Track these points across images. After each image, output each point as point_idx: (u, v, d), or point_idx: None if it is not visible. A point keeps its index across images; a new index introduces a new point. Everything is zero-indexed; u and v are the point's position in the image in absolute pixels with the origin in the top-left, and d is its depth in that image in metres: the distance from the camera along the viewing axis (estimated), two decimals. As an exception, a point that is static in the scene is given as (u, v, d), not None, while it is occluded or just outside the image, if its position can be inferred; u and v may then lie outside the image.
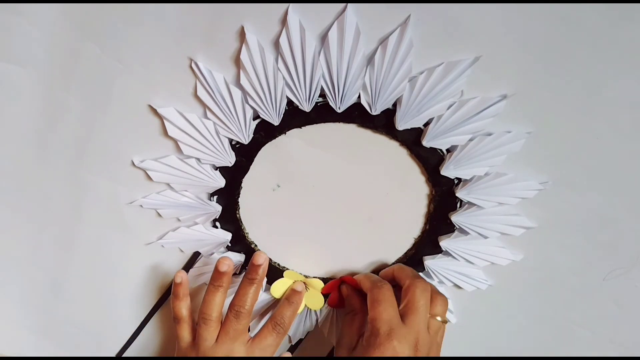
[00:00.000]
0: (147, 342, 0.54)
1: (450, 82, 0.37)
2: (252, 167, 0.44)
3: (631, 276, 0.44)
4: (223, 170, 0.44)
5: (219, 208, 0.45)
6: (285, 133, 0.42)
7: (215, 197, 0.45)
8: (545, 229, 0.43)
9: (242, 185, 0.45)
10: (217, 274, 0.43)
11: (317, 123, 0.41)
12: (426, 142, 0.40)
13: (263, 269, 0.44)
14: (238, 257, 0.48)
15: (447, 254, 0.46)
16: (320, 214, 0.46)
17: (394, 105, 0.39)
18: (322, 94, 0.39)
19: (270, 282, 0.48)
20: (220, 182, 0.44)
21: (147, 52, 0.38)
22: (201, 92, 0.39)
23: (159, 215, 0.46)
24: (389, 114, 0.40)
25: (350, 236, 0.47)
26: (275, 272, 0.48)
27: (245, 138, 0.41)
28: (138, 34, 0.38)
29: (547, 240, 0.44)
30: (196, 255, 0.48)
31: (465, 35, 0.35)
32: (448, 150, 0.41)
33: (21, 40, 0.39)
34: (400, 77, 0.37)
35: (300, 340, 0.52)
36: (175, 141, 0.41)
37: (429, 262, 0.46)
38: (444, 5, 0.34)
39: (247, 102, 0.39)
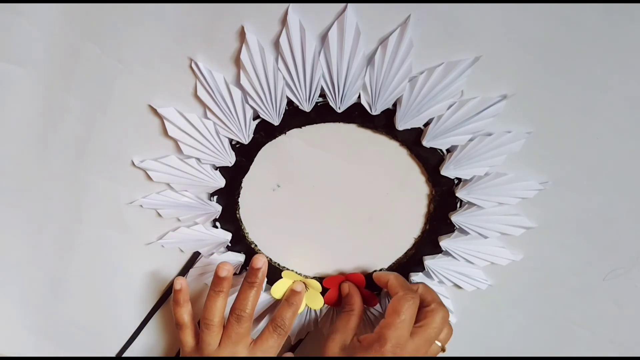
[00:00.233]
0: (147, 342, 0.54)
1: (450, 82, 0.37)
2: (252, 167, 0.44)
3: (631, 276, 0.44)
4: (223, 170, 0.44)
5: (219, 208, 0.45)
6: (285, 133, 0.42)
7: (215, 197, 0.45)
8: (545, 229, 0.43)
9: (242, 185, 0.45)
10: (217, 279, 0.43)
11: (317, 123, 0.41)
12: (426, 142, 0.40)
13: (262, 272, 0.44)
14: (238, 258, 0.48)
15: (447, 254, 0.46)
16: (320, 214, 0.46)
17: (394, 105, 0.39)
18: (322, 94, 0.39)
19: (270, 282, 0.48)
20: (220, 182, 0.44)
21: (147, 52, 0.38)
22: (201, 92, 0.39)
23: (159, 215, 0.46)
24: (389, 114, 0.40)
25: (350, 236, 0.47)
26: (275, 272, 0.48)
27: (245, 138, 0.41)
28: (138, 34, 0.38)
29: (547, 240, 0.44)
30: (196, 255, 0.48)
31: (465, 35, 0.35)
32: (448, 150, 0.41)
33: (21, 40, 0.39)
34: (400, 77, 0.37)
35: (301, 340, 0.52)
36: (175, 141, 0.41)
37: (429, 262, 0.46)
38: (444, 5, 0.34)
39: (247, 102, 0.39)
